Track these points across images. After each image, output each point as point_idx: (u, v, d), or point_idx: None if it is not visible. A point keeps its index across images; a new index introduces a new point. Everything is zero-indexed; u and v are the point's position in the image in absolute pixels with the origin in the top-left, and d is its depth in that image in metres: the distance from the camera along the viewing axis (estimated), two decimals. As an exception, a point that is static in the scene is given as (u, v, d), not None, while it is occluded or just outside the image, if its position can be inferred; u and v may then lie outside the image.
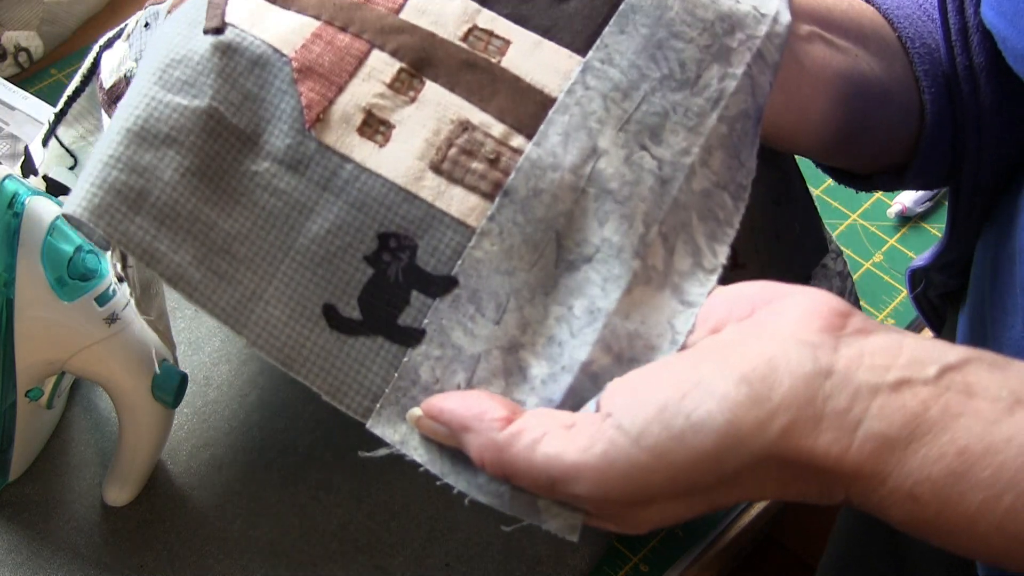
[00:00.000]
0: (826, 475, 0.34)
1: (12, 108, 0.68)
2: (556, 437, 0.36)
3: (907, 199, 0.82)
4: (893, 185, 0.54)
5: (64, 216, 0.39)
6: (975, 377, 0.34)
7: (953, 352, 0.34)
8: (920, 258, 0.62)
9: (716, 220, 0.42)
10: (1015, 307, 0.47)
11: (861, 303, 0.77)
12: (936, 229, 0.81)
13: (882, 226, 0.82)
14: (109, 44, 0.50)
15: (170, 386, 0.53)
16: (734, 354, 0.35)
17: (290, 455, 0.57)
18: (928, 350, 0.34)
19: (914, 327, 0.76)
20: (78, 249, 0.50)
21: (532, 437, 0.36)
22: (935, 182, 0.54)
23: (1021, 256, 0.47)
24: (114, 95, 0.47)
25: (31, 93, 0.70)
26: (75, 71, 0.81)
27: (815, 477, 0.34)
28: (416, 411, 0.39)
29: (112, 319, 0.51)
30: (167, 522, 0.54)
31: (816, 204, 0.57)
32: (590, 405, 0.38)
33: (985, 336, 0.51)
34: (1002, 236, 0.50)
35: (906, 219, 0.82)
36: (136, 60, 0.46)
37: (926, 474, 0.32)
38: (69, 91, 0.52)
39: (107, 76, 0.48)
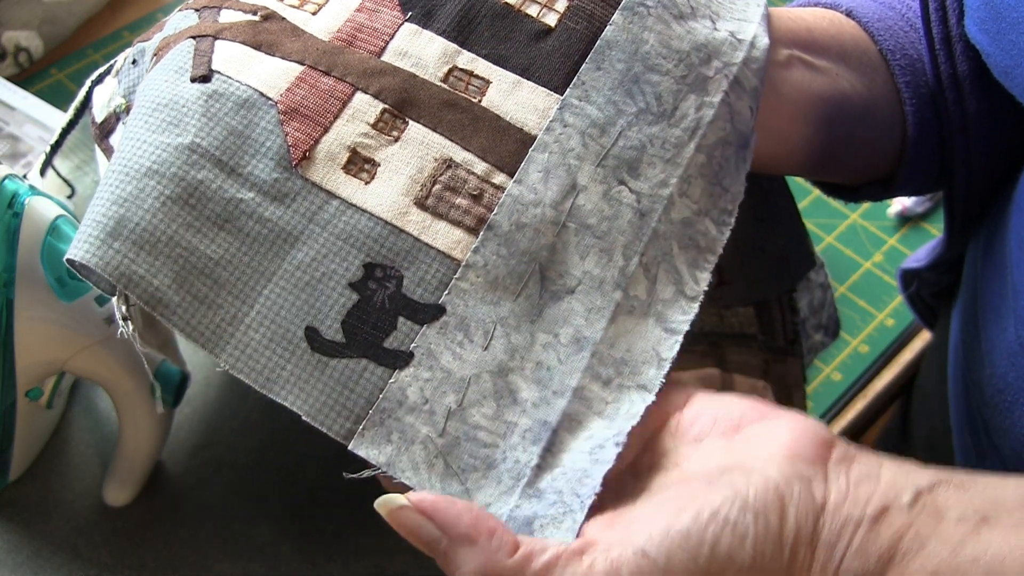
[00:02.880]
0: None
1: (12, 108, 0.68)
2: (571, 564, 0.36)
3: (907, 199, 0.82)
4: (882, 195, 0.54)
5: (67, 262, 0.40)
6: (943, 499, 0.36)
7: (924, 475, 0.37)
8: (912, 259, 0.62)
9: (697, 248, 0.43)
10: (1007, 311, 0.48)
11: (861, 303, 0.77)
12: (936, 229, 0.81)
13: (882, 226, 0.82)
14: (100, 79, 0.50)
15: (170, 386, 0.53)
16: (742, 482, 0.36)
17: (290, 455, 0.57)
18: (904, 474, 0.37)
19: (914, 327, 0.76)
20: (78, 249, 0.49)
21: (544, 561, 0.36)
22: (924, 189, 0.55)
23: (1012, 261, 0.47)
24: (105, 130, 0.48)
25: (31, 93, 0.70)
26: (75, 71, 0.82)
27: None
28: (399, 499, 0.37)
29: (112, 319, 0.51)
30: (167, 522, 0.54)
31: (805, 213, 0.57)
32: (595, 475, 0.38)
33: (979, 340, 0.51)
34: (992, 240, 0.51)
35: (906, 219, 0.82)
36: (124, 97, 0.47)
37: None
38: (63, 123, 0.53)
39: (98, 111, 0.49)
